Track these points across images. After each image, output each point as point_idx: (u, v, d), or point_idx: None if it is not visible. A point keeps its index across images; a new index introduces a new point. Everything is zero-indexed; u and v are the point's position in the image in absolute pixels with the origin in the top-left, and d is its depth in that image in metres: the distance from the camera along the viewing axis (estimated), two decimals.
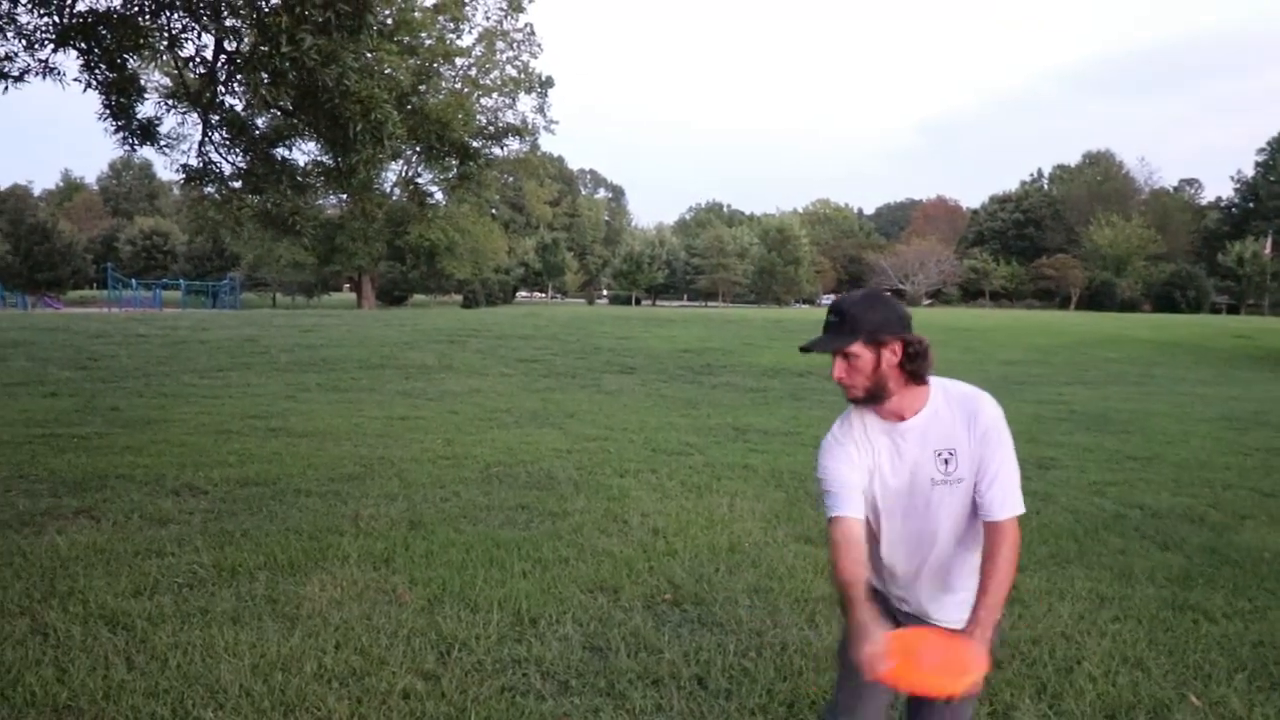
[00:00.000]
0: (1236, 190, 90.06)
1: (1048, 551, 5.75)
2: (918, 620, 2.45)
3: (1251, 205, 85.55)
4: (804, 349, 2.32)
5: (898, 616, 2.48)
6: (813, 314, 42.90)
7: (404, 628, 4.18)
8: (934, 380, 2.34)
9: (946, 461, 2.28)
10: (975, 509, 2.31)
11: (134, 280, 55.78)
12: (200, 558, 5.05)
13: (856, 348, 2.23)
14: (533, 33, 58.15)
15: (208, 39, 7.83)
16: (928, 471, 2.30)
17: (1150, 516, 6.78)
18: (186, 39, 7.84)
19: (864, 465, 2.32)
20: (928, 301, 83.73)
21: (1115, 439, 10.40)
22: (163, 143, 8.58)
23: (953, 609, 2.40)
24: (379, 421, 10.32)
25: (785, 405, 13.04)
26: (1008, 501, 2.26)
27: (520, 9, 56.27)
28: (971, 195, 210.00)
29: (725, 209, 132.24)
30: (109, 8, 7.34)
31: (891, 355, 2.24)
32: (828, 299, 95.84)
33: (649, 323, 27.87)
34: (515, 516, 6.25)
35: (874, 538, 2.42)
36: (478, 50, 56.62)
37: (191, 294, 56.09)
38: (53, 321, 23.67)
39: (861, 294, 2.35)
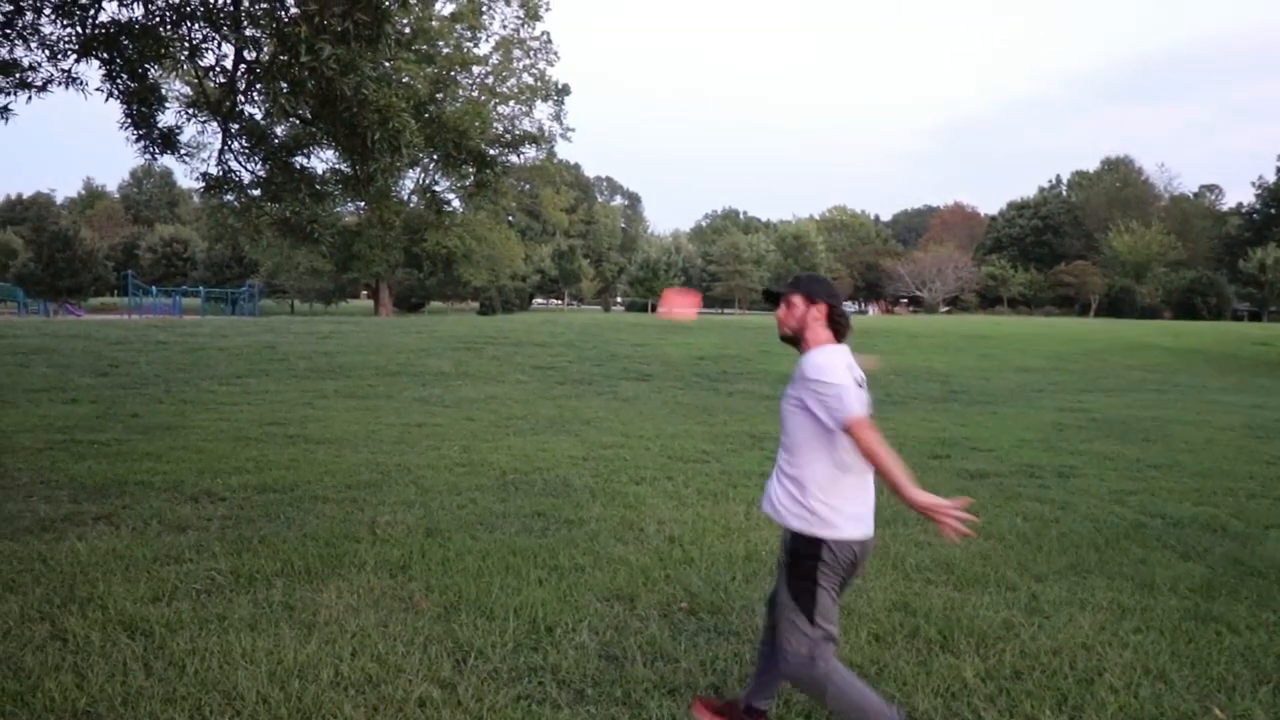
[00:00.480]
0: (1258, 196, 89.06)
1: (1068, 561, 5.71)
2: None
3: (1273, 211, 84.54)
4: (765, 291, 3.40)
5: None
6: None
7: (420, 635, 4.18)
8: (835, 347, 3.19)
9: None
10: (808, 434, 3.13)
11: (154, 287, 56.20)
12: (218, 564, 5.07)
13: (796, 299, 3.21)
14: (549, 41, 58.35)
15: (228, 49, 7.89)
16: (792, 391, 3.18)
17: (1172, 526, 6.71)
18: (207, 49, 7.91)
19: None
20: (945, 309, 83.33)
21: (1136, 447, 10.31)
22: (183, 151, 8.66)
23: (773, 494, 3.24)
24: (396, 428, 10.35)
25: None
26: (834, 414, 2.99)
27: (537, 17, 56.53)
28: (989, 201, 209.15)
29: (742, 216, 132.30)
30: (131, 19, 7.41)
31: (818, 312, 3.19)
32: (846, 306, 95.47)
33: (665, 329, 27.86)
34: (531, 524, 6.24)
35: None
36: (495, 59, 56.92)
37: (211, 301, 56.43)
38: (74, 328, 23.89)
39: (810, 273, 3.45)
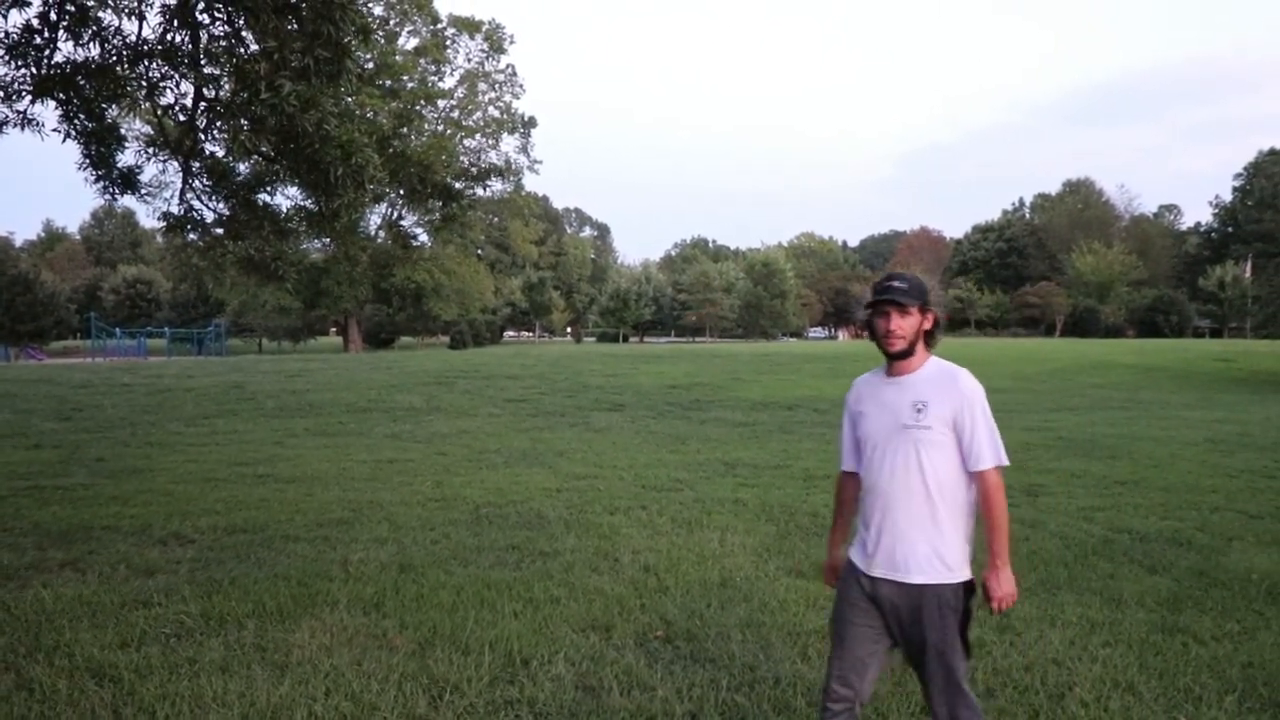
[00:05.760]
0: (1215, 215, 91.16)
1: (1038, 578, 5.76)
2: (887, 584, 2.88)
3: (1230, 230, 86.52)
4: (881, 299, 2.86)
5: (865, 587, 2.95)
6: (800, 348, 43.01)
7: (395, 672, 4.15)
8: (933, 355, 2.96)
9: (919, 411, 2.83)
10: (951, 467, 2.84)
11: (118, 329, 55.56)
12: (188, 607, 5.01)
13: (915, 308, 2.85)
14: (514, 73, 58.88)
15: (187, 87, 7.88)
16: (904, 418, 2.85)
17: (1139, 541, 6.80)
18: (166, 87, 7.88)
19: (855, 411, 3.05)
20: None
21: (1102, 464, 10.44)
22: (144, 191, 8.59)
23: (919, 561, 2.82)
24: (367, 465, 10.29)
25: (774, 439, 13.05)
26: (985, 454, 2.81)
27: (502, 50, 57.01)
28: (955, 225, 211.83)
29: (711, 244, 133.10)
30: (87, 58, 7.38)
31: (927, 323, 2.89)
32: (815, 332, 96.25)
33: (637, 360, 27.92)
34: (506, 557, 6.22)
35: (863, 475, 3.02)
36: (460, 92, 57.25)
37: (176, 342, 55.87)
38: (36, 373, 23.54)
39: (913, 274, 3.04)
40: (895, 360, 2.89)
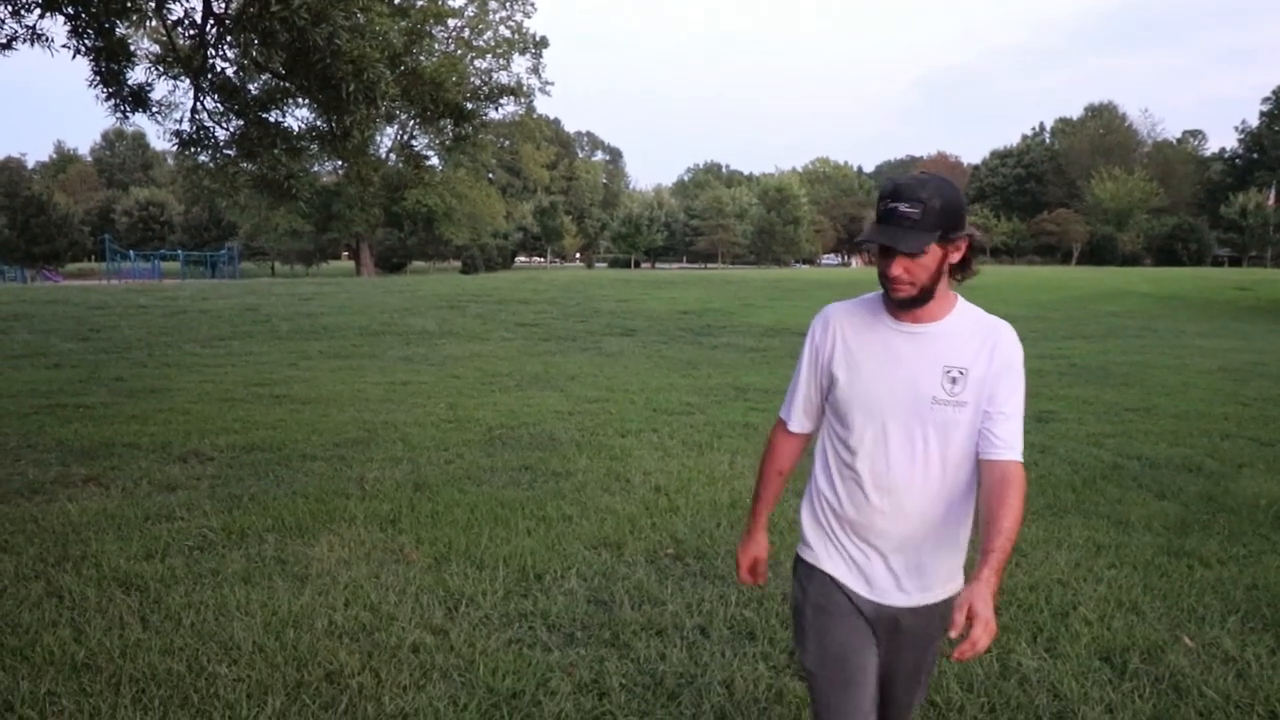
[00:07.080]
0: (1240, 141, 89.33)
1: (1045, 502, 5.82)
2: (890, 609, 2.12)
3: (1255, 156, 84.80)
4: (887, 247, 1.94)
5: (864, 610, 2.14)
6: (813, 274, 42.83)
7: (412, 585, 4.25)
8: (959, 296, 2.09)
9: (954, 381, 2.00)
10: (969, 454, 2.03)
11: (132, 251, 55.65)
12: (209, 521, 5.12)
13: (932, 247, 1.92)
14: None
15: (195, 1, 7.76)
16: (930, 388, 2.00)
17: (1148, 467, 6.84)
18: (174, 0, 7.77)
19: (831, 361, 2.14)
20: None
21: (1114, 391, 10.44)
22: (155, 109, 8.53)
23: (942, 578, 2.12)
24: (381, 387, 10.37)
25: (785, 364, 13.08)
26: (1017, 441, 1.99)
27: None
28: (972, 151, 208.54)
29: (724, 170, 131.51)
30: None
31: (955, 253, 1.99)
32: (828, 259, 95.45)
33: (648, 285, 27.86)
34: (519, 477, 6.31)
35: (845, 454, 2.13)
36: (470, 10, 56.05)
37: (190, 264, 55.98)
38: (52, 294, 23.70)
39: (932, 180, 1.98)
40: (906, 308, 2.02)
